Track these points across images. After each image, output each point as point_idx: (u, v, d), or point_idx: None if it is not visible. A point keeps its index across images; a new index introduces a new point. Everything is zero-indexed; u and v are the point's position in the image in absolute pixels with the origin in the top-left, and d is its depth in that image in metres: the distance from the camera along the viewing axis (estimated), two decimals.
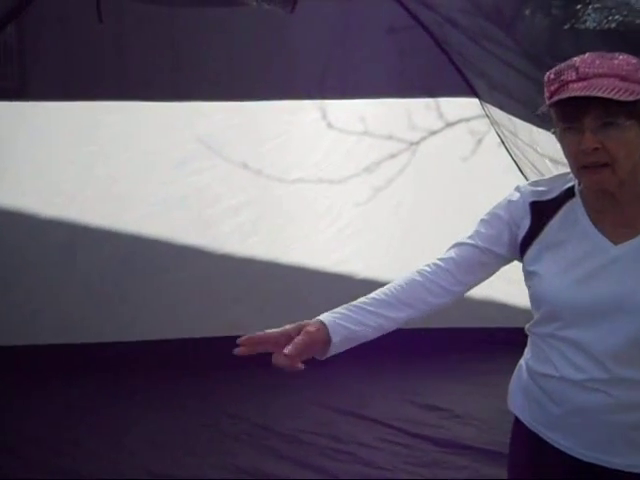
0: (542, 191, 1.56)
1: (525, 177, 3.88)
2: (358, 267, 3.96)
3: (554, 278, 1.51)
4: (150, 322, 3.82)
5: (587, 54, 1.37)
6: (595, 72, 1.33)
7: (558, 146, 2.89)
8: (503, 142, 3.80)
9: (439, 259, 1.74)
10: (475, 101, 3.67)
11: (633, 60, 1.36)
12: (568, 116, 1.37)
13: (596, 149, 1.34)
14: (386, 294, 1.64)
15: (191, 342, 3.85)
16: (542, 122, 3.16)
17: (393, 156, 3.73)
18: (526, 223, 1.58)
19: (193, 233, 3.71)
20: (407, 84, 3.57)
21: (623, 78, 1.32)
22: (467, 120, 3.72)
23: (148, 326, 3.83)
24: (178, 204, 3.62)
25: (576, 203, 1.52)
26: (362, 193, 3.82)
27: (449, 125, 3.71)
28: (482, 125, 3.75)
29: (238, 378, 3.76)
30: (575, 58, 1.37)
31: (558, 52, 2.69)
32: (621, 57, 1.36)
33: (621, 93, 1.30)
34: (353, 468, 3.04)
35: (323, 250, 3.91)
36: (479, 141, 3.77)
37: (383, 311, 1.59)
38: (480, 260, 1.67)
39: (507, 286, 4.03)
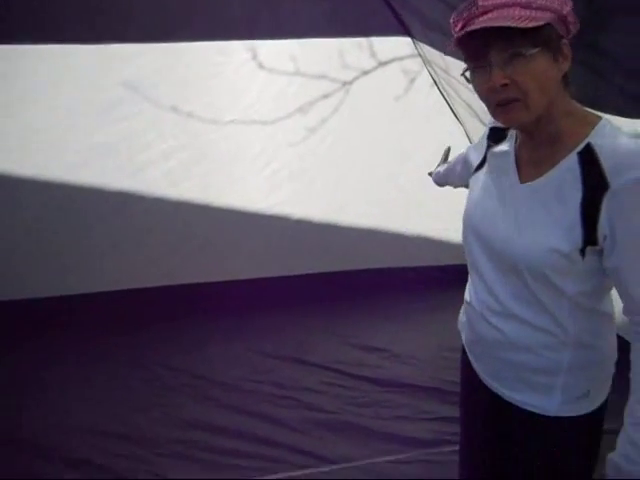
0: None
1: (457, 117, 3.88)
2: (293, 209, 3.91)
3: (471, 201, 1.57)
4: (84, 274, 3.69)
5: None
6: (495, 3, 1.29)
7: None
8: (435, 82, 3.76)
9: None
10: (408, 40, 3.60)
11: None
12: (474, 53, 1.34)
13: (505, 85, 1.30)
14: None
15: (127, 293, 3.73)
16: None
17: (326, 96, 3.64)
18: (482, 149, 1.63)
19: (123, 180, 3.56)
20: (339, 23, 3.46)
21: (524, 6, 1.28)
22: (400, 59, 3.65)
23: (81, 278, 3.69)
24: (106, 151, 3.44)
25: (514, 133, 1.51)
26: (296, 134, 3.73)
27: (382, 64, 3.64)
28: (415, 64, 3.69)
29: (176, 330, 3.72)
30: None
31: None
32: None
33: (522, 20, 1.26)
34: (297, 413, 3.06)
35: (258, 193, 3.83)
36: (412, 80, 3.72)
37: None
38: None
39: (439, 224, 4.11)
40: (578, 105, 1.41)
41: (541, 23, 1.28)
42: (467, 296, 1.64)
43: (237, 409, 3.07)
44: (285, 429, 2.94)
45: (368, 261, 4.12)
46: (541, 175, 1.40)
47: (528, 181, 1.42)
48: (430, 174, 2.37)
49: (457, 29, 1.35)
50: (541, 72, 1.30)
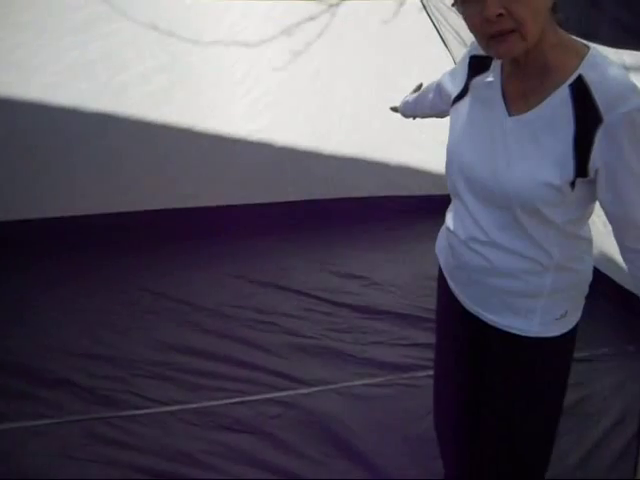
0: None
1: (445, 44, 3.80)
2: (277, 135, 3.86)
3: (454, 134, 1.54)
4: (63, 197, 3.64)
5: None
6: None
7: None
8: (424, 7, 3.67)
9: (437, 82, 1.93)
10: None
11: None
12: None
13: (500, 15, 1.25)
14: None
15: (107, 217, 3.69)
16: None
17: (312, 18, 3.54)
18: (462, 78, 1.58)
19: (101, 101, 3.47)
20: None
21: None
22: None
23: (61, 201, 3.65)
24: (83, 71, 3.34)
25: (499, 64, 1.47)
26: (280, 57, 3.65)
27: None
28: None
29: (156, 255, 3.71)
30: None
31: None
32: None
33: None
34: (277, 338, 3.09)
35: (240, 118, 3.76)
36: (401, 4, 3.62)
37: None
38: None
39: (422, 153, 4.08)
40: (566, 35, 1.38)
41: None
42: (449, 223, 1.63)
43: (217, 333, 3.09)
44: (264, 353, 2.97)
45: (351, 189, 4.10)
46: (530, 108, 1.37)
47: (517, 114, 1.40)
48: (395, 109, 2.33)
49: None
50: (535, 2, 1.27)
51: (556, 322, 1.54)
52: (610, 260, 3.03)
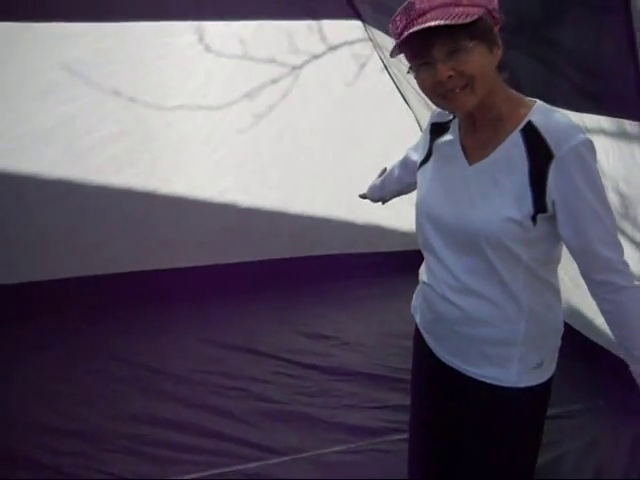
0: (445, 112, 1.62)
1: (407, 103, 3.86)
2: (241, 196, 3.85)
3: (422, 190, 1.65)
4: (23, 263, 3.56)
5: None
6: (431, 5, 1.38)
7: None
8: (386, 67, 3.73)
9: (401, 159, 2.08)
10: (358, 24, 3.56)
11: None
12: (418, 52, 1.42)
13: (450, 77, 1.39)
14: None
15: (69, 282, 3.62)
16: None
17: (275, 81, 3.58)
18: (425, 145, 1.70)
19: (64, 167, 3.43)
20: (288, 5, 3.38)
21: (456, 4, 1.37)
22: (350, 43, 3.60)
23: (24, 267, 3.58)
24: (45, 137, 3.31)
25: (457, 122, 1.61)
26: (244, 120, 3.66)
27: (332, 49, 3.58)
28: (365, 49, 3.65)
29: (123, 320, 3.63)
30: None
31: None
32: None
33: (458, 17, 1.35)
34: (246, 404, 3.02)
35: (204, 180, 3.75)
36: (362, 65, 3.67)
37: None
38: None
39: (387, 211, 4.09)
40: (513, 90, 1.52)
41: (475, 17, 1.37)
42: (423, 277, 1.70)
43: (185, 401, 3.01)
44: (233, 421, 2.90)
45: (317, 248, 4.09)
46: (487, 155, 1.50)
47: (476, 162, 1.52)
48: (363, 196, 2.45)
49: (398, 32, 1.45)
50: (480, 61, 1.40)
51: (532, 371, 1.57)
52: (579, 315, 3.05)
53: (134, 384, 3.13)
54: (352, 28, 3.55)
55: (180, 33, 3.36)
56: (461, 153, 1.55)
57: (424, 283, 1.69)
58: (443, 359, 1.68)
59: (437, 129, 1.66)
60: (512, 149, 1.45)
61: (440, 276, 1.59)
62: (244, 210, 3.86)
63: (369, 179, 3.90)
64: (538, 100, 1.49)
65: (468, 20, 1.35)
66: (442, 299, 1.59)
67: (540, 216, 1.44)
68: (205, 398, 3.04)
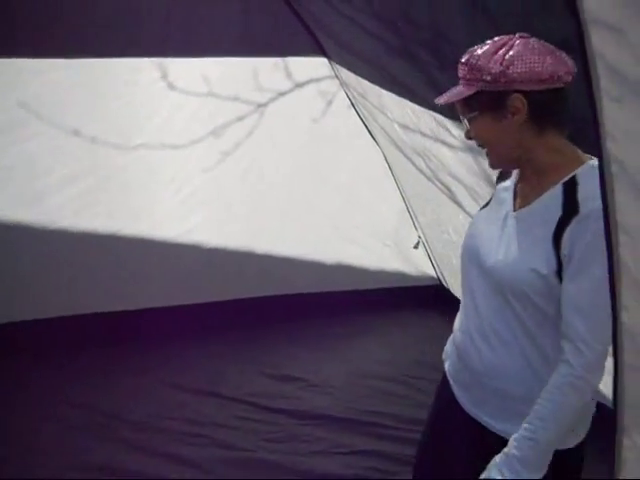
0: None
1: (375, 140, 3.83)
2: (206, 236, 3.77)
3: (470, 229, 1.68)
4: None
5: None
6: (458, 77, 1.49)
7: (405, 111, 2.94)
8: (353, 104, 3.70)
9: None
10: (325, 61, 3.54)
11: (473, 52, 1.45)
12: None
13: (470, 138, 1.54)
14: None
15: (28, 325, 3.49)
16: (390, 85, 3.10)
17: (240, 119, 3.53)
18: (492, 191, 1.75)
19: (20, 209, 3.34)
20: (253, 42, 3.36)
21: (463, 78, 1.47)
22: (317, 81, 3.58)
23: None
24: (1, 177, 3.22)
25: (517, 171, 1.63)
26: (209, 158, 3.60)
27: (298, 86, 3.56)
28: (332, 86, 3.63)
29: (81, 363, 3.51)
30: None
31: (410, 16, 2.60)
32: (469, 52, 1.46)
33: (452, 97, 1.49)
34: (210, 452, 2.92)
35: (169, 220, 3.67)
36: (329, 102, 3.65)
37: None
38: None
39: (356, 248, 4.06)
40: (569, 144, 1.51)
41: (469, 94, 1.46)
42: (456, 325, 1.69)
43: (145, 450, 2.90)
44: (196, 470, 2.79)
45: (285, 287, 4.01)
46: (529, 204, 1.52)
47: (519, 210, 1.55)
48: None
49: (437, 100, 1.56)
50: (486, 129, 1.49)
51: (565, 434, 1.47)
52: None
53: (96, 432, 3.00)
54: (318, 65, 3.54)
55: (142, 70, 3.31)
56: (511, 198, 1.58)
57: (455, 330, 1.69)
58: (465, 408, 1.63)
59: (502, 174, 1.70)
60: (551, 201, 1.46)
61: (471, 319, 1.59)
62: (210, 250, 3.78)
63: (337, 217, 3.90)
64: (595, 159, 1.44)
65: (457, 99, 1.47)
66: (471, 345, 1.58)
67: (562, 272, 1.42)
68: (167, 446, 2.93)
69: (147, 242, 3.62)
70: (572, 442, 1.53)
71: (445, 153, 3.06)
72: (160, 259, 3.68)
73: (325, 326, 4.05)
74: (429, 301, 4.22)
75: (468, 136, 1.53)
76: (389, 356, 3.86)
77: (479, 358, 1.56)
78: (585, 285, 1.38)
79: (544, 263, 1.42)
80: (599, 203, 1.21)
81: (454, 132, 2.88)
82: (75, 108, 3.25)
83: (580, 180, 1.43)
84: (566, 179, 1.45)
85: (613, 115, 1.08)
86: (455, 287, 4.09)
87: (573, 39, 1.99)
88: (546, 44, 1.44)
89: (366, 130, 3.79)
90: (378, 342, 4.01)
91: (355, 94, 3.53)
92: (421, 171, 3.38)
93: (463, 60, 1.46)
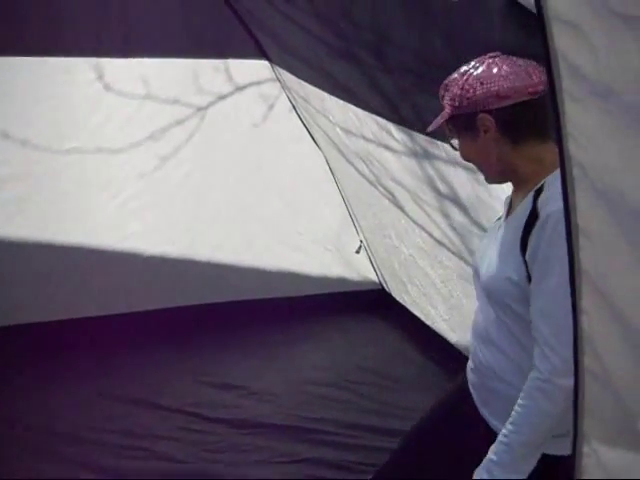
0: None
1: (317, 144, 3.80)
2: (145, 244, 3.67)
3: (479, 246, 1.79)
4: None
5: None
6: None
7: (348, 115, 2.93)
8: (294, 107, 3.67)
9: None
10: (266, 64, 3.49)
11: (449, 80, 1.56)
12: None
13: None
14: None
15: None
16: (332, 89, 3.07)
17: (180, 122, 3.45)
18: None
19: None
20: (193, 43, 3.28)
21: (445, 105, 1.57)
22: (258, 84, 3.53)
23: None
24: None
25: None
26: (147, 163, 3.50)
27: (239, 89, 3.50)
28: (274, 89, 3.59)
29: (15, 373, 3.34)
30: None
31: (352, 16, 2.58)
32: (451, 76, 1.57)
33: (436, 124, 1.60)
34: (148, 465, 2.82)
35: (105, 227, 3.55)
36: (271, 106, 3.60)
37: None
38: None
39: (299, 254, 4.01)
40: (552, 150, 1.48)
41: (445, 119, 1.57)
42: (472, 327, 1.74)
43: (78, 463, 2.78)
44: None
45: (226, 294, 3.93)
46: (508, 217, 1.61)
47: (506, 220, 1.62)
48: None
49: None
50: (468, 149, 1.59)
51: (554, 440, 1.47)
52: None
53: (23, 445, 2.84)
54: (260, 68, 3.49)
55: (77, 70, 3.19)
56: (506, 210, 1.65)
57: (471, 333, 1.73)
58: (478, 407, 1.67)
59: None
60: (523, 209, 1.52)
61: (478, 324, 1.66)
62: (149, 257, 3.68)
63: (278, 222, 3.84)
64: None
65: (433, 128, 1.62)
66: (476, 346, 1.65)
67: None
68: (102, 459, 2.82)
69: (82, 250, 3.49)
70: (566, 449, 1.46)
71: (388, 158, 3.05)
72: (96, 268, 3.55)
73: (266, 333, 3.98)
74: (371, 306, 4.21)
75: (460, 154, 1.63)
76: (330, 362, 3.82)
77: (480, 360, 1.63)
78: (547, 288, 1.41)
79: (515, 271, 1.48)
80: (557, 205, 1.27)
81: (397, 136, 2.88)
82: (4, 109, 3.11)
83: (546, 186, 1.49)
84: (537, 187, 1.51)
85: (574, 116, 1.07)
86: (396, 291, 4.10)
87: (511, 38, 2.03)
88: (514, 59, 1.52)
89: (308, 134, 3.75)
90: (319, 348, 3.97)
91: (297, 97, 3.50)
92: (363, 176, 3.37)
93: (442, 86, 1.58)
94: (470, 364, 1.71)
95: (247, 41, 3.36)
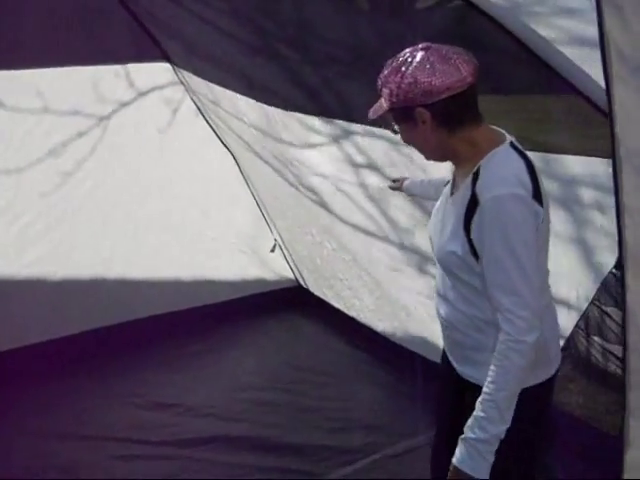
0: None
1: (227, 147, 3.70)
2: (51, 267, 3.43)
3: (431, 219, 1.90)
4: None
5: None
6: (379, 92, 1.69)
7: (265, 116, 2.88)
8: (200, 110, 3.54)
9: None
10: (168, 66, 3.35)
11: (384, 72, 1.65)
12: None
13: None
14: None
15: None
16: (247, 90, 2.99)
17: (81, 134, 3.24)
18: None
19: None
20: (91, 50, 3.08)
21: (382, 96, 1.67)
22: (161, 88, 3.37)
23: None
24: None
25: None
26: (48, 181, 3.27)
27: (141, 94, 3.33)
28: (177, 93, 3.45)
29: None
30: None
31: (273, 12, 2.51)
32: (385, 71, 1.65)
33: (374, 113, 1.70)
34: None
35: (4, 255, 3.28)
36: (175, 111, 3.45)
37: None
38: None
39: (215, 260, 3.90)
40: (483, 134, 1.67)
41: (384, 110, 1.67)
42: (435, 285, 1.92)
43: None
44: None
45: (141, 310, 3.75)
46: (455, 192, 1.73)
47: (451, 197, 1.76)
48: (395, 182, 2.53)
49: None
50: (409, 136, 1.71)
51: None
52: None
53: None
54: (162, 72, 3.34)
55: None
56: (449, 188, 1.78)
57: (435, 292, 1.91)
58: (448, 357, 1.90)
59: None
60: (465, 190, 1.65)
61: (438, 286, 1.84)
62: (56, 282, 3.45)
63: (192, 230, 3.71)
64: (503, 143, 1.65)
65: (376, 116, 1.69)
66: (439, 305, 1.84)
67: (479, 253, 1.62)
68: None
69: None
70: (536, 378, 1.71)
71: (310, 155, 3.02)
72: (2, 296, 3.28)
73: (188, 345, 3.85)
74: (289, 304, 4.19)
75: (401, 138, 1.73)
76: (261, 365, 3.76)
77: (442, 315, 1.84)
78: (494, 264, 1.58)
79: (460, 246, 1.64)
80: (492, 193, 1.56)
81: (320, 128, 2.85)
82: None
83: (481, 171, 1.62)
84: (474, 170, 1.64)
85: (620, 96, 1.09)
86: (316, 287, 4.08)
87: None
88: (444, 52, 1.59)
89: (216, 137, 3.64)
90: (246, 353, 3.89)
91: (205, 101, 3.38)
92: (282, 176, 3.32)
93: (379, 78, 1.66)
94: (439, 319, 1.91)
95: (147, 44, 3.19)
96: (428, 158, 1.76)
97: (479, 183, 1.60)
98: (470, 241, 1.61)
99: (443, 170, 1.98)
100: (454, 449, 1.75)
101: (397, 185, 2.52)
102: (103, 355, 3.55)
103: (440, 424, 2.07)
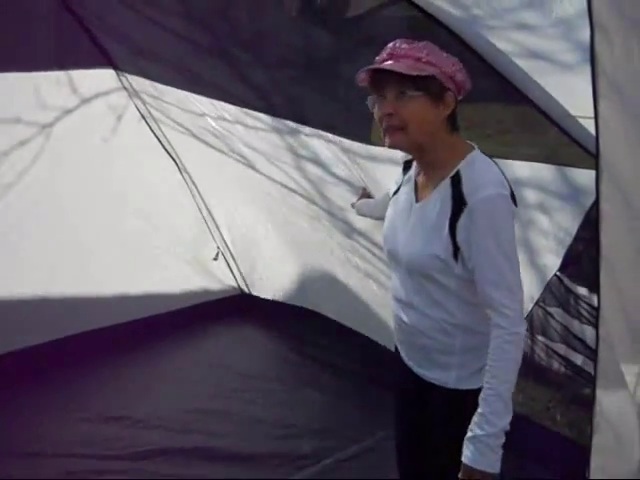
0: None
1: (169, 154, 3.67)
2: (14, 290, 3.33)
3: (386, 221, 1.92)
4: None
5: (399, 40, 1.69)
6: (397, 54, 1.66)
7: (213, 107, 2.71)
8: (143, 116, 3.50)
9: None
10: (112, 72, 3.29)
11: (428, 47, 1.67)
12: (376, 86, 1.71)
13: (390, 114, 1.66)
14: None
15: None
16: (198, 89, 2.98)
17: (23, 143, 3.14)
18: (397, 181, 1.96)
19: None
20: (31, 55, 2.99)
21: (415, 59, 1.65)
22: (105, 94, 3.31)
23: None
24: None
25: (416, 163, 1.87)
26: None
27: (85, 101, 3.26)
28: (121, 98, 3.40)
29: None
30: (390, 43, 1.69)
31: (229, 16, 2.53)
32: (422, 44, 1.67)
33: (409, 70, 1.62)
34: None
35: None
36: (120, 117, 3.40)
37: None
38: None
39: (160, 272, 3.84)
40: (461, 140, 1.75)
41: (424, 74, 1.62)
42: (391, 293, 1.93)
43: None
44: None
45: (83, 324, 3.64)
46: (427, 196, 1.76)
47: (420, 201, 1.78)
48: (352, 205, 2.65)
49: (371, 67, 1.69)
50: (419, 110, 1.65)
51: (473, 376, 1.76)
52: None
53: None
54: (106, 78, 3.28)
55: None
56: (413, 190, 1.81)
57: (392, 297, 1.92)
58: (405, 362, 1.92)
59: (406, 166, 1.93)
60: (443, 194, 1.70)
61: (398, 291, 1.86)
62: (24, 302, 3.37)
63: (136, 240, 3.63)
64: (476, 149, 1.72)
65: (415, 74, 1.61)
66: (399, 310, 1.86)
67: (460, 255, 1.67)
68: None
69: None
70: (477, 384, 1.73)
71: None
72: None
73: (136, 358, 3.79)
74: (233, 311, 4.18)
75: (388, 111, 1.66)
76: (207, 374, 3.74)
77: (404, 321, 1.85)
78: (487, 262, 1.64)
79: (442, 249, 1.68)
80: (483, 194, 1.61)
81: (265, 120, 2.87)
82: None
83: (463, 174, 1.68)
84: (452, 174, 1.69)
85: (602, 112, 1.15)
86: (262, 290, 4.11)
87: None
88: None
89: (159, 143, 3.61)
90: (192, 362, 3.86)
91: (149, 100, 3.33)
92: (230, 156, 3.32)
93: (420, 44, 1.66)
94: (395, 325, 1.95)
95: (90, 49, 3.13)
96: (398, 142, 1.70)
97: (465, 185, 1.65)
98: (455, 243, 1.66)
99: (387, 178, 2.05)
100: (418, 446, 1.89)
101: (355, 202, 2.61)
102: (47, 369, 3.45)
103: (400, 427, 2.09)
